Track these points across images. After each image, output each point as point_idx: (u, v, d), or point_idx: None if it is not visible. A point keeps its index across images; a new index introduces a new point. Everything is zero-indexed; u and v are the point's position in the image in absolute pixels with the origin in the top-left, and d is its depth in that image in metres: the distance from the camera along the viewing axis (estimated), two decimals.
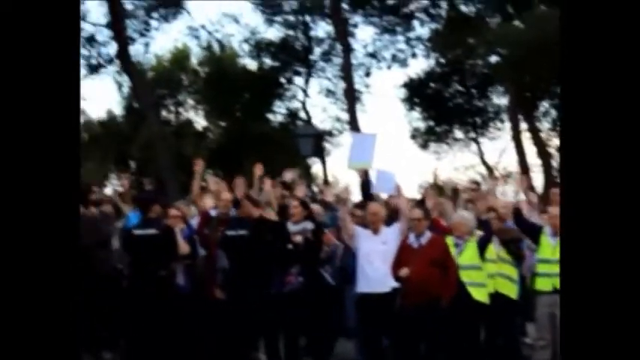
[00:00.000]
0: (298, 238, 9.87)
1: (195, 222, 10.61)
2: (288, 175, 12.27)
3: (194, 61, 36.50)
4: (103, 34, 30.72)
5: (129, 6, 30.53)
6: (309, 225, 10.07)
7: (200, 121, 37.41)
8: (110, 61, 31.52)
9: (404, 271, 9.00)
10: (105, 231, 10.45)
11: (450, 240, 9.36)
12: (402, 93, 33.21)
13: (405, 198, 10.11)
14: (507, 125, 31.33)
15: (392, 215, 10.08)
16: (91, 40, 31.12)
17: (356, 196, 11.92)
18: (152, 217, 9.73)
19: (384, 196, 11.14)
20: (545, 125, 30.76)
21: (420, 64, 38.21)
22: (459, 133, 33.90)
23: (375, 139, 10.36)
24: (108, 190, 22.28)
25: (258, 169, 11.43)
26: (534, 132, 29.26)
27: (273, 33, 33.41)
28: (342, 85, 31.05)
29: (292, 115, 35.15)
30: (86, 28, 30.98)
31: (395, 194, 10.21)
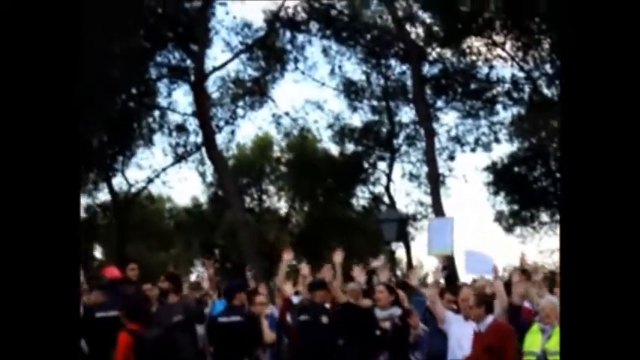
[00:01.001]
0: (386, 324, 9.72)
1: (277, 308, 10.61)
2: (376, 263, 12.17)
3: (276, 148, 37.05)
4: (191, 123, 31.57)
5: (215, 95, 31.32)
6: (396, 311, 9.92)
7: (283, 207, 37.79)
8: (197, 149, 32.24)
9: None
10: (192, 315, 10.50)
11: (536, 326, 9.08)
12: (486, 176, 33.02)
13: (499, 281, 9.94)
14: None
15: (482, 299, 9.90)
16: (180, 128, 31.94)
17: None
18: (236, 305, 9.74)
19: (469, 278, 10.97)
20: None
21: (503, 148, 37.78)
22: (544, 217, 33.38)
23: (453, 223, 10.25)
24: (192, 277, 22.54)
25: (338, 256, 11.41)
26: None
27: (357, 118, 33.71)
28: (425, 169, 31.02)
29: (376, 199, 35.19)
30: (173, 118, 31.94)
31: (492, 275, 10.04)
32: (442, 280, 10.91)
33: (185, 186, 62.72)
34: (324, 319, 9.85)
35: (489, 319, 8.82)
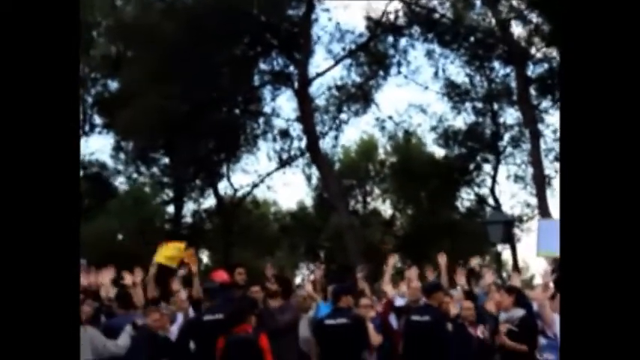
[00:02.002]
0: (507, 326, 9.60)
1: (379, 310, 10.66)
2: (475, 262, 12.08)
3: (381, 151, 37.15)
4: (295, 128, 31.97)
5: (320, 101, 31.61)
6: (518, 312, 9.79)
7: (387, 210, 37.82)
8: (301, 154, 32.61)
9: None
10: (294, 319, 10.64)
11: None
12: None
13: None
14: None
15: None
16: (284, 134, 32.40)
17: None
18: (343, 307, 9.82)
19: None
20: None
21: None
22: None
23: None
24: (298, 279, 22.80)
25: (442, 259, 11.42)
26: None
27: (461, 121, 33.48)
28: (531, 170, 30.58)
29: (481, 201, 34.88)
30: (278, 123, 32.39)
31: None
32: (551, 284, 10.73)
33: (290, 190, 63.63)
34: (449, 325, 9.79)
35: None
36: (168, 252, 11.59)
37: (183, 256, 11.43)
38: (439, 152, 34.63)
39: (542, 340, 9.43)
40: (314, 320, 10.44)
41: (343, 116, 32.59)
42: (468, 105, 33.21)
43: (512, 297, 9.80)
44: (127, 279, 10.61)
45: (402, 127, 33.96)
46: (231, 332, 8.97)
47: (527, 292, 10.57)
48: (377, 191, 37.76)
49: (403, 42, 31.18)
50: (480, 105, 33.22)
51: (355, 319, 9.72)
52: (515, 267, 27.20)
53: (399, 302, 10.79)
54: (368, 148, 37.46)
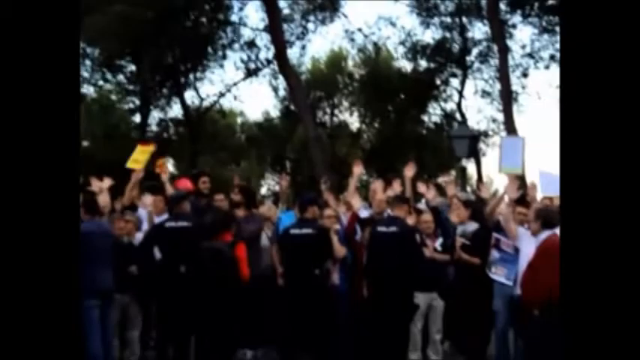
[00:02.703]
0: (461, 240, 9.76)
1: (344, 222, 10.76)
2: (445, 178, 12.12)
3: (350, 63, 36.95)
4: (262, 38, 31.65)
5: (286, 10, 31.21)
6: (472, 226, 9.93)
7: (355, 123, 37.85)
8: (268, 64, 32.39)
9: None
10: (258, 229, 10.75)
11: None
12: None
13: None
14: None
15: (540, 213, 9.91)
16: (250, 44, 32.09)
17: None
18: (308, 217, 9.93)
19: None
20: None
21: None
22: None
23: (524, 143, 10.15)
24: (264, 190, 22.91)
25: (410, 170, 11.50)
26: None
27: (430, 35, 33.32)
28: (498, 86, 30.60)
29: (447, 116, 34.99)
30: (245, 33, 32.05)
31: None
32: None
33: (257, 101, 63.17)
34: (417, 237, 9.92)
35: (544, 234, 8.72)
36: (135, 155, 11.59)
37: (148, 159, 11.44)
38: (407, 66, 34.57)
39: (495, 254, 9.58)
40: (279, 230, 10.55)
41: (310, 26, 32.33)
42: (436, 20, 33.01)
43: (468, 210, 9.93)
44: (95, 185, 10.60)
45: (371, 40, 33.75)
46: (206, 240, 9.09)
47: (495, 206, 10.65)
48: (345, 104, 37.68)
49: None
50: (448, 19, 33.02)
51: (320, 230, 9.84)
52: (480, 181, 27.51)
53: (364, 214, 10.89)
54: (337, 59, 37.22)
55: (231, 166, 38.99)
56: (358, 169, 11.48)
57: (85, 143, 29.62)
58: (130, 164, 11.47)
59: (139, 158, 11.45)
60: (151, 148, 11.75)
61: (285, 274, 10.08)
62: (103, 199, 10.17)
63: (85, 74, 32.71)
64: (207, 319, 8.95)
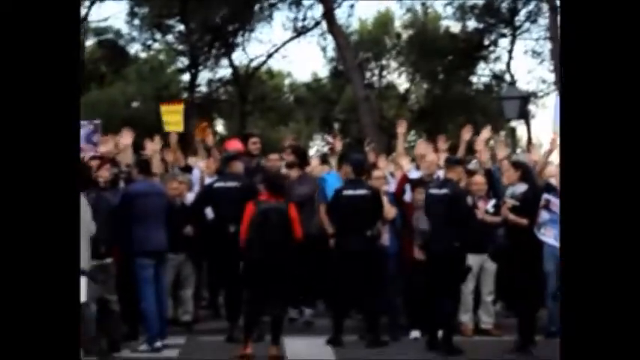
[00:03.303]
0: (510, 202, 9.68)
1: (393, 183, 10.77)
2: (486, 134, 11.96)
3: (398, 23, 36.68)
4: None
5: None
6: (520, 188, 9.83)
7: (403, 84, 37.64)
8: (316, 24, 32.23)
9: None
10: (312, 191, 10.77)
11: None
12: None
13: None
14: None
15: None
16: (298, 3, 31.97)
17: None
18: (359, 179, 9.93)
19: None
20: None
21: None
22: None
23: None
24: (312, 151, 22.95)
25: (467, 132, 11.45)
26: None
27: None
28: (548, 45, 30.18)
29: (496, 77, 34.62)
30: None
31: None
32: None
33: (305, 62, 63.01)
34: (469, 199, 9.78)
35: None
36: (168, 117, 11.71)
37: (182, 117, 11.58)
38: (456, 27, 34.20)
39: (544, 215, 9.52)
40: (325, 191, 10.55)
41: None
42: None
43: (518, 172, 9.84)
44: (148, 147, 10.74)
45: (419, 0, 33.44)
46: (260, 200, 9.12)
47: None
48: (393, 64, 37.45)
49: None
50: None
51: (373, 191, 9.87)
52: (529, 142, 27.27)
53: (414, 175, 10.86)
54: (384, 20, 36.96)
55: (280, 127, 39.09)
56: (402, 129, 11.46)
57: (135, 104, 29.88)
58: (168, 127, 11.59)
59: (174, 120, 11.58)
60: (180, 107, 11.87)
61: (336, 234, 10.09)
62: (156, 161, 10.31)
63: (135, 34, 32.96)
64: (260, 279, 9.03)
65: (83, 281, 7.49)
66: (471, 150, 11.99)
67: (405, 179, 10.60)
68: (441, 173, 10.39)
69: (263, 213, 8.91)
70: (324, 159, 12.46)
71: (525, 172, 9.81)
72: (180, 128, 11.76)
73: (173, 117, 11.80)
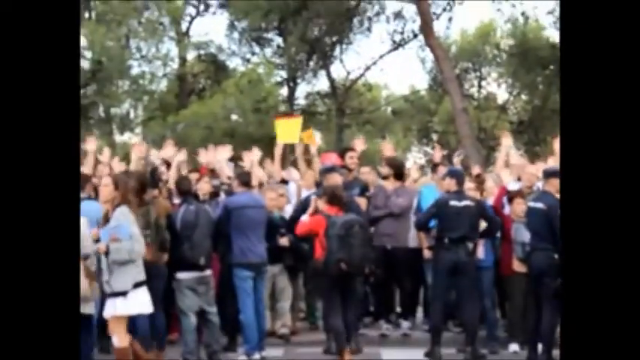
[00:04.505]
0: None
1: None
2: None
3: (499, 34, 36.25)
4: (409, 10, 31.42)
5: None
6: None
7: (502, 95, 37.18)
8: (414, 37, 32.15)
9: None
10: (409, 203, 10.73)
11: None
12: None
13: None
14: None
15: None
16: (397, 15, 31.96)
17: None
18: (461, 190, 9.82)
19: None
20: None
21: None
22: None
23: None
24: (409, 163, 22.86)
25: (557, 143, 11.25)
26: None
27: None
28: None
29: None
30: (391, 6, 31.94)
31: None
32: None
33: (403, 74, 62.92)
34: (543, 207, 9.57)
35: None
36: (284, 129, 11.78)
37: (300, 131, 11.65)
38: (556, 36, 33.54)
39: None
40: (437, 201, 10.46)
41: None
42: None
43: None
44: (246, 159, 10.87)
45: (521, 10, 32.98)
46: (329, 214, 9.14)
47: None
48: (493, 75, 37.03)
49: None
50: None
51: (477, 202, 9.80)
52: None
53: (513, 187, 10.71)
54: (485, 31, 36.60)
55: (378, 140, 39.08)
56: (507, 141, 11.30)
57: (234, 117, 30.26)
58: (283, 138, 11.67)
59: (290, 132, 11.64)
60: (299, 121, 11.94)
61: (437, 245, 9.99)
62: (255, 172, 10.43)
63: (234, 48, 33.43)
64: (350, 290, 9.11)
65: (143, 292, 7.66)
66: None
67: (504, 191, 10.46)
68: (540, 185, 10.22)
69: (345, 226, 8.94)
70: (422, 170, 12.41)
71: None
72: (296, 140, 11.85)
73: (289, 129, 11.85)
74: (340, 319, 9.09)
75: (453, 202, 9.72)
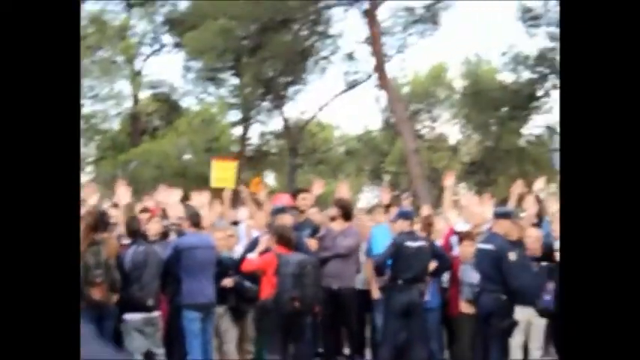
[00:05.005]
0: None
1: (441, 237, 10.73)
2: (539, 185, 11.81)
3: (450, 75, 36.78)
4: (363, 51, 31.76)
5: (386, 23, 31.24)
6: None
7: (454, 135, 37.62)
8: (368, 77, 32.46)
9: None
10: (356, 244, 10.78)
11: None
12: None
13: None
14: None
15: None
16: (351, 56, 32.27)
17: None
18: (413, 230, 9.89)
19: None
20: None
21: None
22: None
23: None
24: (361, 204, 22.98)
25: (519, 187, 11.30)
26: None
27: (534, 45, 32.75)
28: None
29: (549, 128, 34.40)
30: (344, 46, 32.25)
31: None
32: None
33: (356, 114, 63.31)
34: (512, 255, 9.58)
35: None
36: (219, 173, 11.83)
37: (234, 175, 11.70)
38: (510, 77, 34.13)
39: None
40: (372, 244, 10.53)
41: (410, 39, 32.22)
42: (541, 29, 32.46)
43: None
44: (195, 200, 10.84)
45: (474, 52, 33.56)
46: (280, 253, 9.19)
47: None
48: (445, 116, 37.49)
49: None
50: (552, 29, 32.41)
51: (430, 243, 9.86)
52: None
53: (461, 228, 10.79)
54: (438, 71, 37.10)
55: (330, 180, 39.23)
56: (449, 182, 11.40)
57: (187, 156, 30.27)
58: (217, 183, 11.72)
59: (225, 176, 11.71)
60: (234, 165, 12.01)
61: (389, 285, 10.02)
62: (205, 214, 10.39)
63: (189, 87, 33.49)
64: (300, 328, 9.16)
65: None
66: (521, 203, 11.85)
67: (451, 232, 10.55)
68: (488, 226, 10.31)
69: (300, 265, 8.98)
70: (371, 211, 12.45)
71: None
72: (232, 185, 11.87)
73: (225, 173, 11.91)
74: (287, 357, 9.10)
75: (408, 243, 9.78)
